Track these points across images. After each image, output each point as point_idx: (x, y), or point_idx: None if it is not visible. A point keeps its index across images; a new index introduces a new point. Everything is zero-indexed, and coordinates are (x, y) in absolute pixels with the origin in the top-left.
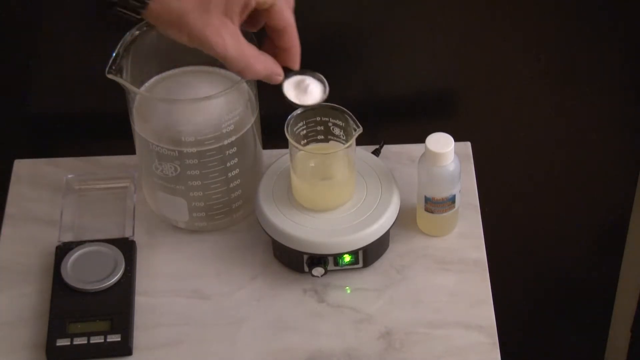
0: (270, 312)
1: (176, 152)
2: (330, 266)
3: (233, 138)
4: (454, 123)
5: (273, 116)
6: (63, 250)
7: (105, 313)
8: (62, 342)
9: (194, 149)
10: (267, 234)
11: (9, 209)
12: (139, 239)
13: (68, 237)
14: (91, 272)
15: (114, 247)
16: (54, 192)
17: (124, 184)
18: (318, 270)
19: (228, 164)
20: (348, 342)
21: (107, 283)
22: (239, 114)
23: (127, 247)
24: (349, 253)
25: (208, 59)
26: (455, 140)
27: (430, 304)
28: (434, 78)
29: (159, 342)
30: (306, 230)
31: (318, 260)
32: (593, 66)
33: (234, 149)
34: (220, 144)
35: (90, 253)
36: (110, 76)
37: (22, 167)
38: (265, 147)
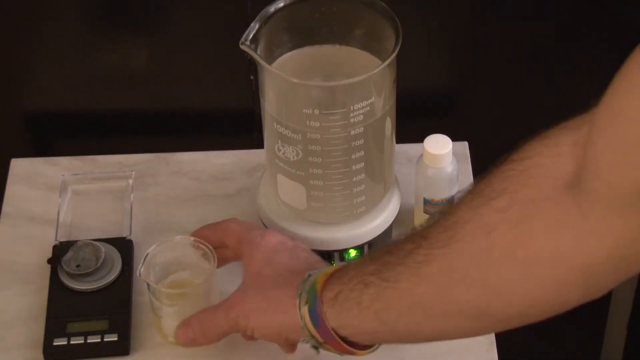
0: None
1: (299, 136)
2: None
3: (361, 129)
4: (451, 123)
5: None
6: (60, 250)
7: (102, 312)
8: (59, 342)
9: (318, 135)
10: None
11: (6, 208)
12: (136, 238)
13: (65, 237)
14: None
15: (111, 246)
16: (51, 191)
17: (121, 183)
18: None
19: (353, 156)
20: None
21: (105, 282)
22: (369, 105)
23: (124, 246)
24: (355, 248)
25: (345, 39)
26: (452, 140)
27: None
28: (431, 78)
29: (156, 342)
30: (311, 225)
31: (323, 256)
32: (592, 66)
33: (361, 141)
34: (346, 134)
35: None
36: (244, 47)
37: (19, 166)
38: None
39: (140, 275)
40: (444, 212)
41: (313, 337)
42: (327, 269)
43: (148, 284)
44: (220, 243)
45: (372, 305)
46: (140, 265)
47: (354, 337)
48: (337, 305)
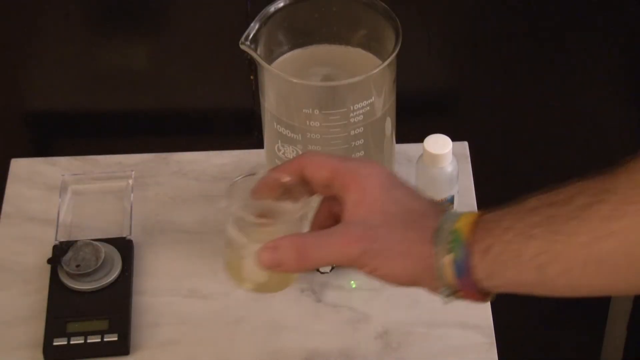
0: (268, 311)
1: (299, 136)
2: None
3: (361, 129)
4: (451, 123)
5: None
6: (60, 250)
7: (102, 312)
8: (59, 342)
9: (318, 135)
10: None
11: (6, 208)
12: (136, 238)
13: (65, 236)
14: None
15: (111, 246)
16: (51, 191)
17: (121, 183)
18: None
19: (353, 156)
20: (345, 342)
21: (105, 282)
22: (369, 104)
23: (124, 246)
24: None
25: (345, 39)
26: (452, 140)
27: (427, 303)
28: (431, 78)
29: (156, 342)
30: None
31: None
32: (592, 66)
33: (361, 141)
34: (346, 134)
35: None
36: (244, 47)
37: (19, 166)
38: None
39: (224, 207)
40: (625, 167)
41: (450, 286)
42: (466, 215)
43: (232, 216)
44: (297, 180)
45: (536, 258)
46: (223, 199)
47: (498, 288)
48: (490, 257)
